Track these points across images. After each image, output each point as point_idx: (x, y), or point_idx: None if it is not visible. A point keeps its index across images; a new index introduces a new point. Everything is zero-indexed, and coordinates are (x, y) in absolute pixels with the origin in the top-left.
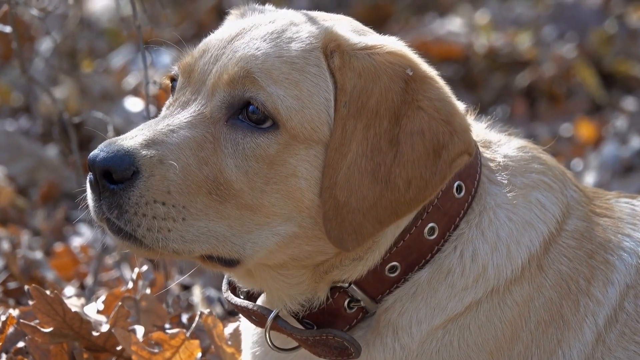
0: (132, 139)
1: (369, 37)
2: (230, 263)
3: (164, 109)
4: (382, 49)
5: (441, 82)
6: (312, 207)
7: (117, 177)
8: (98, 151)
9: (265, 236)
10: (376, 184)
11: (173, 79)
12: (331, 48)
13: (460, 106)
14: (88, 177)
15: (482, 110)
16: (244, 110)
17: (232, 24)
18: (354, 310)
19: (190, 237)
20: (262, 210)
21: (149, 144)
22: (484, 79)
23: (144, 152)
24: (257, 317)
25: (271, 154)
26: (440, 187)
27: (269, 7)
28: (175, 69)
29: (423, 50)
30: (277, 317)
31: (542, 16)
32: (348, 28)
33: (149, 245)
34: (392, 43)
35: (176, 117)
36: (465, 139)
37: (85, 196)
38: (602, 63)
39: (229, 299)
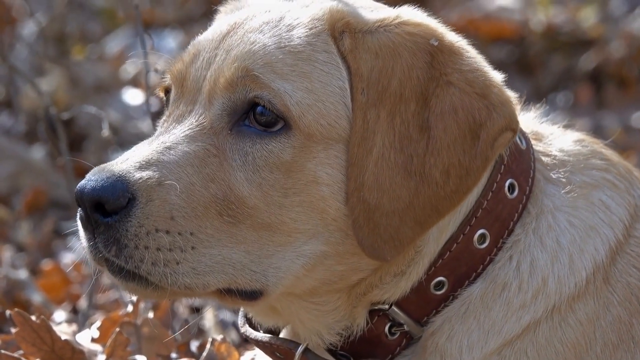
0: (124, 162)
1: (381, 11)
2: (252, 295)
3: (158, 127)
4: (399, 21)
5: (472, 51)
6: (339, 217)
7: (110, 207)
8: (85, 181)
9: (289, 259)
10: (410, 179)
11: (167, 90)
12: (339, 29)
13: (497, 77)
14: (78, 213)
15: (541, 97)
16: (250, 114)
17: (222, 20)
18: (396, 336)
19: (203, 268)
20: (282, 228)
21: (143, 165)
22: (542, 62)
23: (138, 175)
24: (283, 353)
25: (286, 160)
26: (484, 173)
27: None
28: (167, 79)
29: (471, 29)
30: (306, 350)
31: None
32: (356, 5)
33: (157, 283)
34: (409, 13)
35: (172, 132)
36: (505, 113)
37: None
38: None
39: (248, 334)
